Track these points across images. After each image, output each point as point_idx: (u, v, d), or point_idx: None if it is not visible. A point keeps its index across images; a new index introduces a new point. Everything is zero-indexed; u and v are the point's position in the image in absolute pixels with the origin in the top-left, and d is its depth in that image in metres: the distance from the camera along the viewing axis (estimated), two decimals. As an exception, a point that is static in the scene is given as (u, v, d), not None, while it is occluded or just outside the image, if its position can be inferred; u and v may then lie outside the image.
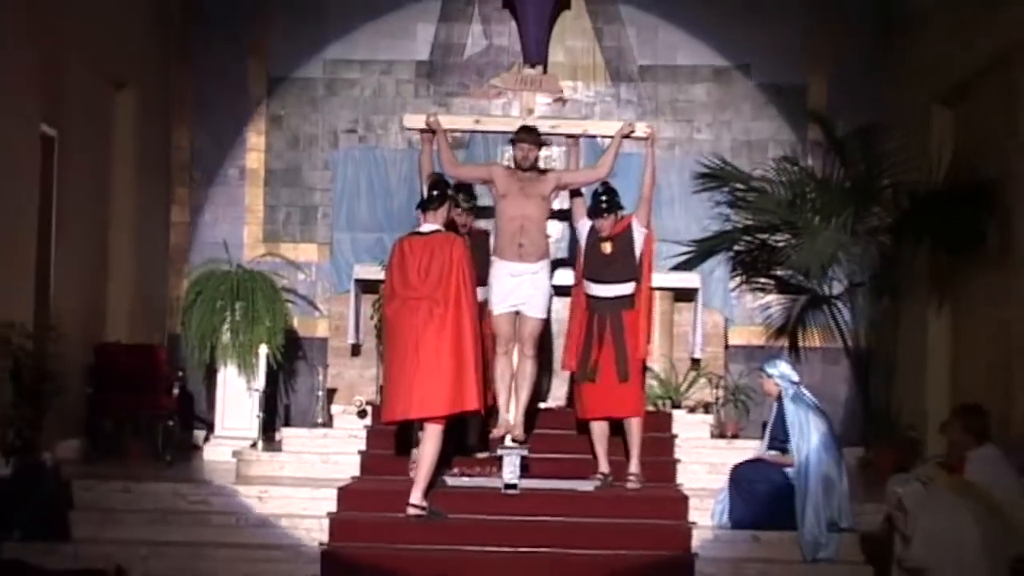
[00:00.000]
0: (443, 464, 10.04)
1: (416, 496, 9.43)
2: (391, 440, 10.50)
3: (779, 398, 9.75)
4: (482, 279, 10.17)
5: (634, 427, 10.22)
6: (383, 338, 9.85)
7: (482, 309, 10.14)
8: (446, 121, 10.96)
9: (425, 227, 9.79)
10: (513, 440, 10.03)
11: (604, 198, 10.30)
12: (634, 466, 10.18)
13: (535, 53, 13.20)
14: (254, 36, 13.69)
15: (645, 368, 10.75)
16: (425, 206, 9.83)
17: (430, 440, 9.52)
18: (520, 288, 10.19)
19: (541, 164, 10.75)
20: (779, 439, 9.67)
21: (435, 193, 9.89)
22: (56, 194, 11.22)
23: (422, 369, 9.43)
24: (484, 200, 11.18)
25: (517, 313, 10.24)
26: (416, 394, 9.44)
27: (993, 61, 11.07)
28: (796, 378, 9.83)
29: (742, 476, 9.63)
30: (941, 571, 7.32)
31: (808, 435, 9.46)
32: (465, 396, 9.48)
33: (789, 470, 9.48)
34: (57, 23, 10.79)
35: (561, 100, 13.44)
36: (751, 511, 9.49)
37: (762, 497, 9.48)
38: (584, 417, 10.34)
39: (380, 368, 11.12)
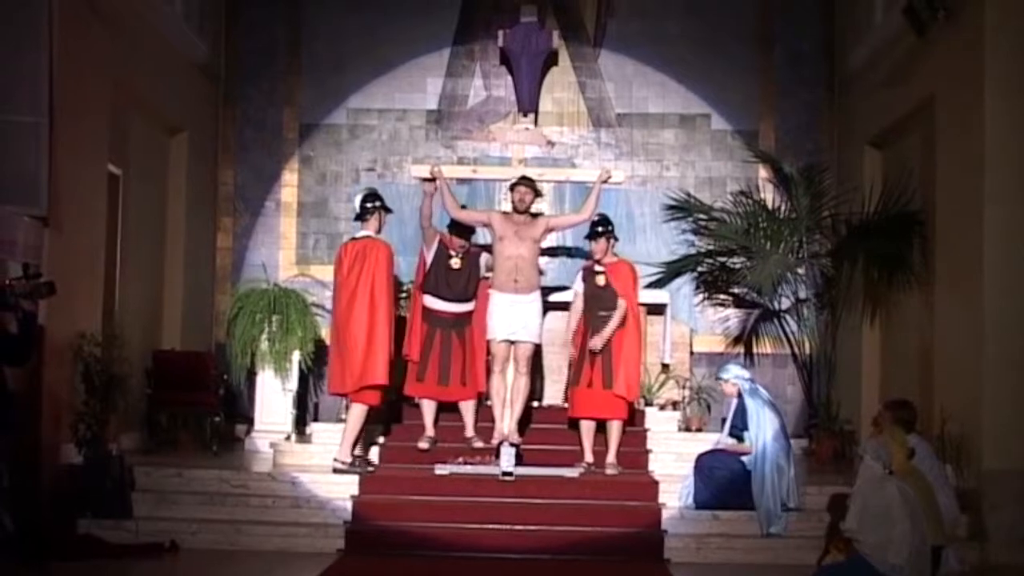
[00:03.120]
0: (448, 455, 10.12)
1: (343, 452, 9.82)
2: (405, 433, 10.53)
3: (739, 395, 9.74)
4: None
5: (615, 426, 10.21)
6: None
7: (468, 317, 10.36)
8: (448, 170, 10.95)
9: (360, 233, 9.97)
10: (510, 445, 9.92)
11: (599, 220, 10.32)
12: (612, 456, 10.19)
13: (528, 103, 13.26)
14: (288, 89, 13.72)
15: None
16: (360, 216, 10.02)
17: (353, 409, 9.90)
18: (516, 317, 10.11)
19: (533, 209, 10.72)
20: (738, 427, 9.67)
21: (368, 205, 10.05)
22: (121, 223, 11.28)
23: (344, 349, 9.76)
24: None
25: (513, 342, 10.19)
26: (345, 372, 9.77)
27: (915, 109, 11.13)
28: (748, 375, 9.85)
29: (704, 464, 9.65)
30: (868, 544, 7.25)
31: (764, 427, 9.48)
32: (368, 372, 9.71)
33: (745, 457, 9.49)
34: (122, 81, 10.82)
35: (550, 144, 13.54)
36: (712, 494, 9.50)
37: (721, 481, 9.49)
38: (575, 416, 10.33)
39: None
